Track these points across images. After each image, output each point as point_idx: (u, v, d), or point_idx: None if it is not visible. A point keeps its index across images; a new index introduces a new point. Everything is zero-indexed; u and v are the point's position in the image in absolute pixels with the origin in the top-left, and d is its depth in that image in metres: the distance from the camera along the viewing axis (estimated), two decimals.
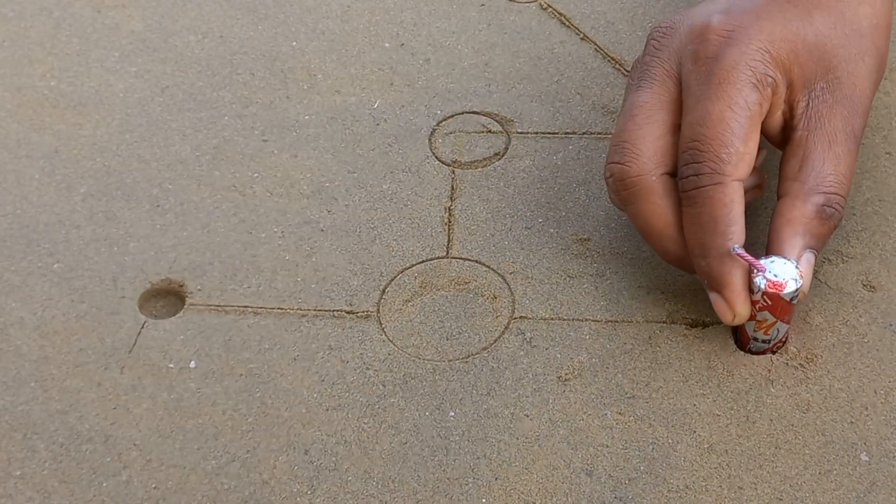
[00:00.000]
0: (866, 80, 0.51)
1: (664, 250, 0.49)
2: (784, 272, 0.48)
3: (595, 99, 0.62)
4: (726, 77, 0.47)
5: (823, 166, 0.48)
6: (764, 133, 0.50)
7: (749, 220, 0.56)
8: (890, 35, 0.53)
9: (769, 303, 0.48)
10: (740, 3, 0.49)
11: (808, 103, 0.49)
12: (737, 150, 0.46)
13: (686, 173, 0.47)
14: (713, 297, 0.48)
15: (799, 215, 0.48)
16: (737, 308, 0.48)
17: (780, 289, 0.47)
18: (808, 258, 0.48)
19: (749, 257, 0.48)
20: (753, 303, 0.48)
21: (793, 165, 0.49)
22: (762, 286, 0.48)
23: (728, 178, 0.46)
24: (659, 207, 0.48)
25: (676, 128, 0.48)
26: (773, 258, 0.48)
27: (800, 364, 0.50)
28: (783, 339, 0.50)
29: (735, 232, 0.47)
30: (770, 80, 0.48)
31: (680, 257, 0.49)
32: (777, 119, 0.50)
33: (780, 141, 0.51)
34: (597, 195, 0.57)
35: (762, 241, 0.55)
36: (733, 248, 0.48)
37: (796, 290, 0.48)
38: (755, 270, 0.48)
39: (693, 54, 0.48)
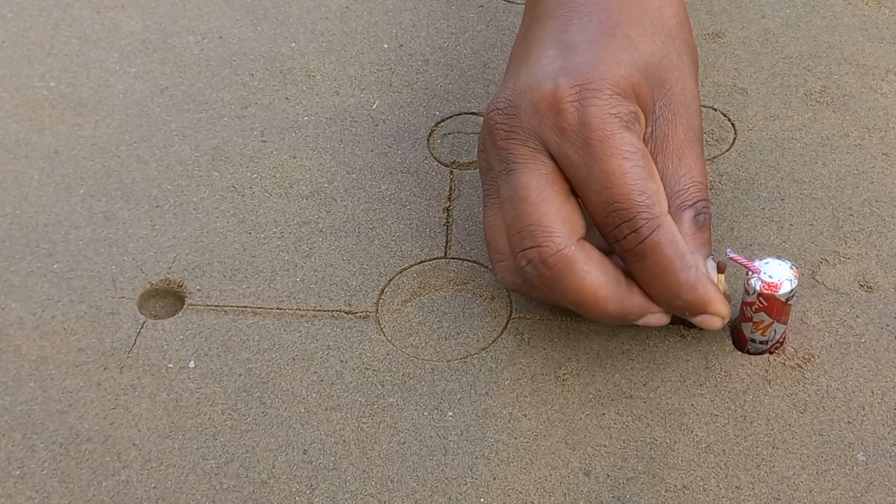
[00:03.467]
0: (690, 78, 0.51)
1: (603, 313, 0.48)
2: (779, 273, 0.48)
3: None
4: (601, 134, 0.46)
5: (681, 181, 0.49)
6: None
7: (735, 223, 0.56)
8: (690, 25, 0.53)
9: (765, 304, 0.48)
10: (568, 57, 0.48)
11: (654, 126, 0.50)
12: (653, 191, 0.47)
13: (622, 234, 0.46)
14: (698, 319, 0.49)
15: (682, 237, 0.48)
16: (723, 314, 0.48)
17: (775, 290, 0.48)
18: (711, 265, 0.49)
19: (743, 260, 0.48)
20: (749, 304, 0.48)
21: None
22: (757, 288, 0.48)
23: (660, 218, 0.46)
24: (587, 274, 0.47)
25: (567, 195, 0.48)
26: (768, 259, 0.49)
27: (797, 364, 0.50)
28: (781, 340, 0.50)
29: (692, 259, 0.47)
30: (633, 115, 0.48)
31: (621, 314, 0.48)
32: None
33: None
34: None
35: (752, 243, 0.55)
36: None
37: (791, 290, 0.48)
38: (750, 272, 0.48)
39: (556, 128, 0.47)
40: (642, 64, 0.49)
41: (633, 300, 0.48)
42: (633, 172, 0.46)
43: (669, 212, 0.48)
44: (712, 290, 0.48)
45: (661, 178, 0.49)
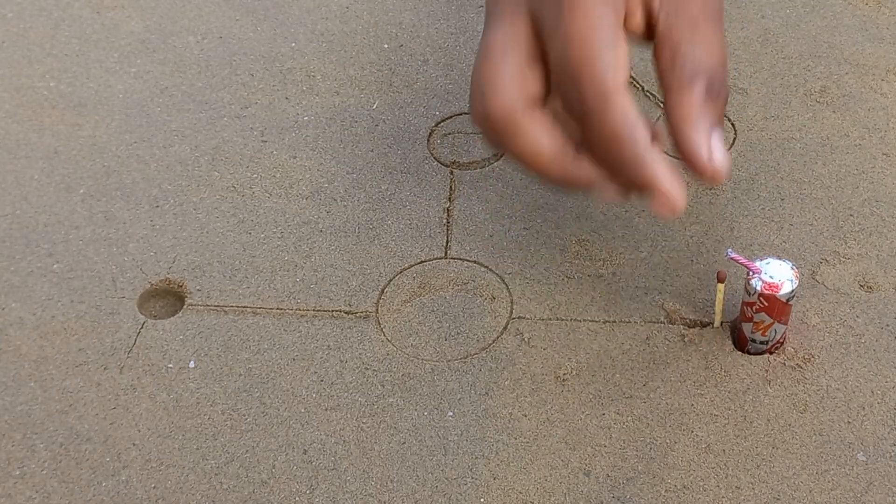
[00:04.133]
0: None
1: (548, 175, 0.47)
2: (779, 273, 0.48)
3: None
4: None
5: (694, 51, 0.48)
6: (630, 35, 0.49)
7: (736, 223, 0.56)
8: None
9: (766, 304, 0.48)
10: None
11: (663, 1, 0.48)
12: (611, 61, 0.45)
13: (569, 99, 0.45)
14: (652, 205, 0.46)
15: (689, 105, 0.47)
16: (675, 198, 0.45)
17: (776, 290, 0.48)
18: (717, 136, 0.47)
19: (744, 260, 0.48)
20: (750, 304, 0.48)
21: (665, 59, 0.48)
22: (758, 288, 0.48)
23: (611, 88, 0.45)
24: (529, 135, 0.46)
25: (533, 60, 0.47)
26: (768, 260, 0.49)
27: (797, 364, 0.50)
28: (781, 340, 0.50)
29: (641, 133, 0.45)
30: None
31: (565, 180, 0.47)
32: (638, 19, 0.49)
33: (646, 39, 0.50)
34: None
35: (752, 243, 0.55)
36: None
37: (792, 290, 0.48)
38: (751, 273, 0.48)
39: None
40: None
41: (580, 167, 0.47)
42: (593, 37, 0.45)
43: (679, 78, 0.47)
44: (663, 169, 0.45)
45: (675, 48, 0.48)
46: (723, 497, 0.46)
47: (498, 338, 0.52)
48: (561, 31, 0.46)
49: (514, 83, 0.47)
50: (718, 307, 0.51)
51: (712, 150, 0.46)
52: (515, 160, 0.48)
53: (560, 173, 0.47)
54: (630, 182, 0.46)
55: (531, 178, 0.49)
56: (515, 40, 0.47)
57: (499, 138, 0.47)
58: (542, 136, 0.46)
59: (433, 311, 0.54)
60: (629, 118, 0.45)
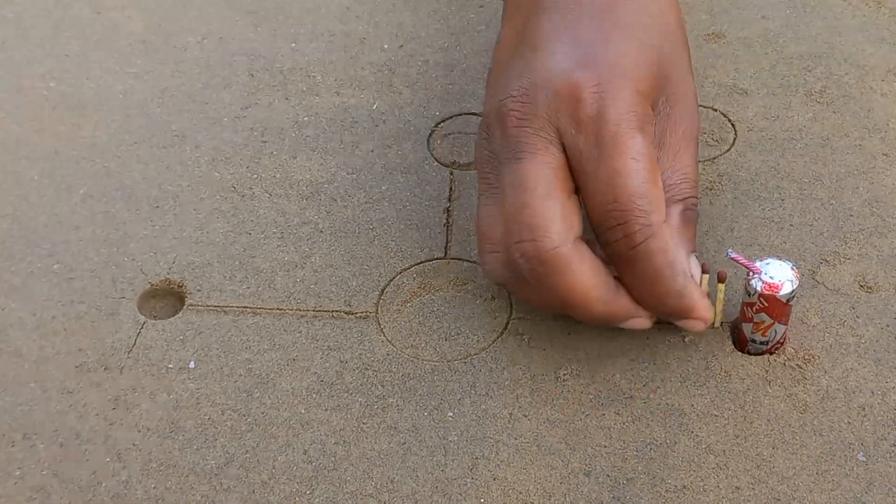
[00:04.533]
0: (689, 74, 0.52)
1: (591, 314, 0.48)
2: (780, 274, 0.48)
3: None
4: (616, 130, 0.46)
5: (674, 176, 0.50)
6: None
7: (735, 224, 0.56)
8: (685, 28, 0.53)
9: (766, 304, 0.48)
10: (588, 51, 0.48)
11: (656, 122, 0.50)
12: (654, 197, 0.46)
13: (616, 236, 0.46)
14: (681, 323, 0.49)
15: (670, 230, 0.48)
16: (707, 318, 0.49)
17: (776, 290, 0.48)
18: (694, 262, 0.49)
19: (744, 260, 0.48)
20: (750, 305, 0.48)
21: None
22: (758, 288, 0.48)
23: (656, 226, 0.46)
24: (580, 275, 0.47)
25: (571, 192, 0.47)
26: (769, 260, 0.49)
27: (797, 365, 0.50)
28: (781, 341, 0.50)
29: (681, 267, 0.47)
30: (649, 116, 0.48)
31: (608, 316, 0.48)
32: None
33: None
34: None
35: (752, 244, 0.55)
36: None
37: (792, 291, 0.48)
38: (751, 273, 0.48)
39: (572, 118, 0.46)
40: (655, 61, 0.49)
41: (620, 303, 0.48)
42: (638, 175, 0.46)
43: None
44: (697, 296, 0.48)
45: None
46: (723, 497, 0.46)
47: (498, 338, 0.52)
48: (605, 167, 0.46)
49: (564, 221, 0.47)
50: (718, 307, 0.51)
51: (698, 271, 0.49)
52: (560, 300, 0.48)
53: (605, 310, 0.48)
54: (668, 312, 0.48)
55: (575, 318, 0.49)
56: (555, 175, 0.47)
57: (545, 275, 0.47)
58: (590, 273, 0.47)
59: (433, 311, 0.54)
60: (670, 254, 0.47)
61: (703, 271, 0.49)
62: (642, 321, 0.49)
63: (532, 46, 0.49)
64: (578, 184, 0.47)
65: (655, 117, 0.49)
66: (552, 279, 0.47)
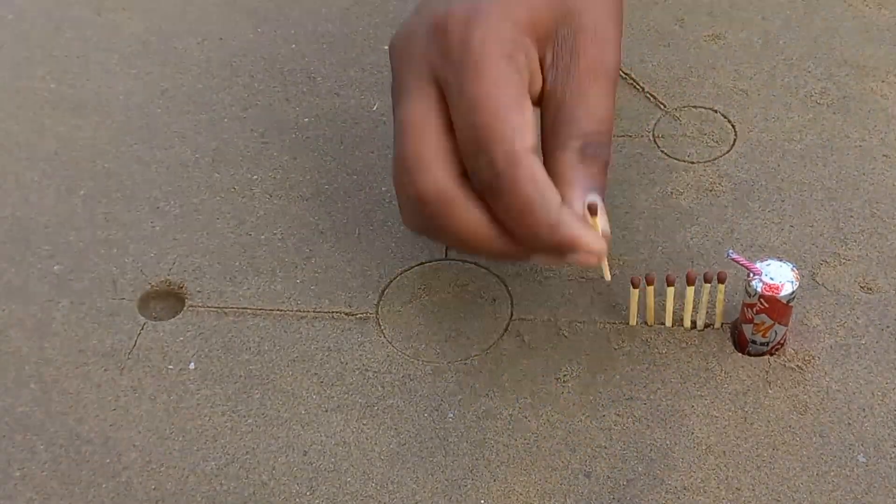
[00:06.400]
0: (602, 10, 0.48)
1: (487, 251, 0.46)
2: (780, 275, 0.48)
3: None
4: (479, 58, 0.44)
5: (575, 113, 0.46)
6: (533, 102, 0.47)
7: (736, 224, 0.56)
8: None
9: (766, 305, 0.48)
10: None
11: (554, 54, 0.47)
12: (518, 123, 0.44)
13: (478, 166, 0.44)
14: (570, 258, 0.45)
15: (563, 167, 0.46)
16: (595, 248, 0.45)
17: (776, 291, 0.48)
18: (592, 200, 0.46)
19: (744, 261, 0.48)
20: (750, 306, 0.48)
21: (546, 120, 0.47)
22: (759, 289, 0.48)
23: (520, 153, 0.44)
24: (467, 211, 0.45)
25: (450, 129, 0.46)
26: (769, 261, 0.49)
27: (797, 366, 0.50)
28: (781, 342, 0.50)
29: (553, 197, 0.44)
30: (518, 44, 0.46)
31: (504, 252, 0.46)
32: (538, 83, 0.48)
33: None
34: None
35: (752, 245, 0.55)
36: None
37: (792, 292, 0.48)
38: (752, 274, 0.48)
39: (440, 50, 0.45)
40: None
41: (511, 240, 0.46)
42: (497, 100, 0.44)
43: (555, 138, 0.46)
44: (578, 227, 0.44)
45: (558, 109, 0.47)
46: (723, 498, 0.46)
47: (498, 339, 0.52)
48: (466, 95, 0.44)
49: (440, 160, 0.45)
50: (719, 308, 0.51)
51: (587, 211, 0.45)
52: (450, 240, 0.46)
53: (498, 248, 0.46)
54: (547, 247, 0.45)
55: (465, 255, 0.47)
56: (431, 112, 0.46)
57: (432, 216, 0.45)
58: (477, 212, 0.45)
59: (434, 312, 0.54)
60: (541, 183, 0.44)
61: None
62: (545, 258, 0.46)
63: None
64: (451, 115, 0.45)
65: (554, 52, 0.47)
66: (438, 218, 0.45)
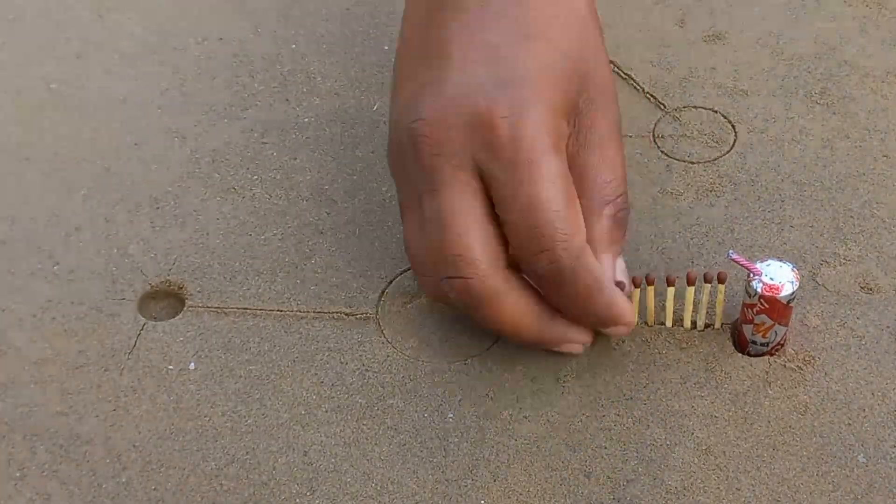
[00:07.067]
0: (606, 65, 0.51)
1: (523, 340, 0.49)
2: (780, 275, 0.48)
3: None
4: (531, 157, 0.45)
5: (601, 177, 0.49)
6: None
7: (736, 225, 0.56)
8: (596, 6, 0.52)
9: (766, 306, 0.48)
10: (498, 62, 0.47)
11: (578, 120, 0.49)
12: (573, 220, 0.46)
13: (541, 262, 0.46)
14: (609, 330, 0.49)
15: (599, 233, 0.48)
16: (632, 322, 0.49)
17: (776, 292, 0.48)
18: (620, 265, 0.49)
19: (744, 261, 0.48)
20: (750, 306, 0.48)
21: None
22: (759, 290, 0.48)
23: (579, 248, 0.46)
24: (510, 306, 0.47)
25: (491, 218, 0.47)
26: (769, 261, 0.49)
27: (797, 366, 0.50)
28: (781, 342, 0.50)
29: (609, 279, 0.48)
30: (563, 134, 0.47)
31: (540, 342, 0.49)
32: None
33: None
34: None
35: (752, 245, 0.55)
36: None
37: (793, 292, 0.48)
38: (752, 274, 0.48)
39: (487, 144, 0.45)
40: (569, 66, 0.48)
41: (552, 330, 0.49)
42: (556, 200, 0.45)
43: (589, 206, 0.48)
44: (623, 303, 0.48)
45: (583, 174, 0.48)
46: (723, 499, 0.46)
47: (498, 340, 0.52)
48: (523, 192, 0.45)
49: (487, 251, 0.46)
50: (719, 309, 0.51)
51: (618, 277, 0.49)
52: (492, 328, 0.49)
53: (537, 337, 0.49)
54: (597, 323, 0.48)
55: (510, 339, 0.50)
56: (473, 205, 0.46)
57: (477, 307, 0.47)
58: (520, 302, 0.47)
59: (434, 313, 0.54)
60: (596, 271, 0.47)
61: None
62: (575, 346, 0.50)
63: (440, 54, 0.48)
64: (498, 210, 0.46)
65: (578, 119, 0.49)
66: (483, 310, 0.47)
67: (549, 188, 0.45)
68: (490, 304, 0.47)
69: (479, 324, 0.49)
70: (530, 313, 0.48)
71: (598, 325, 0.49)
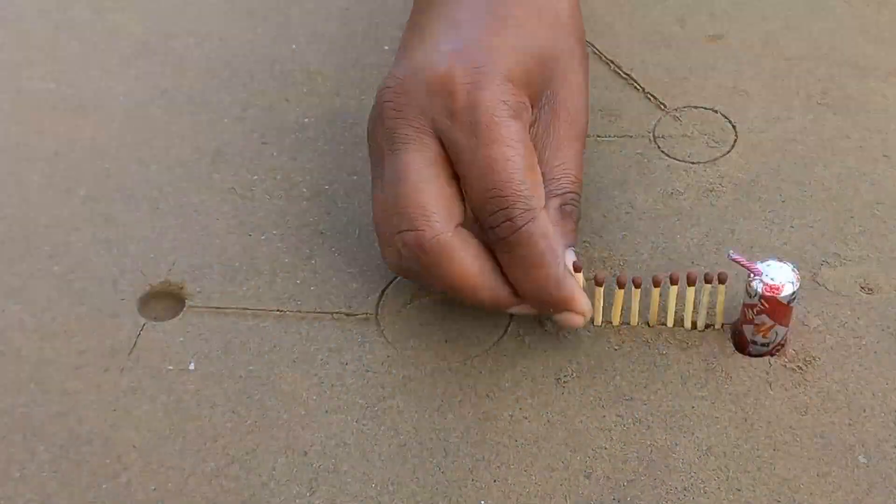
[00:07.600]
0: (579, 73, 0.53)
1: (477, 300, 0.49)
2: (780, 275, 0.48)
3: (593, 101, 0.62)
4: (489, 119, 0.47)
5: (554, 171, 0.50)
6: None
7: (736, 225, 0.56)
8: (581, 18, 0.54)
9: (767, 306, 0.48)
10: (463, 40, 0.49)
11: (538, 117, 0.51)
12: (532, 182, 0.47)
13: (497, 221, 0.47)
14: (560, 317, 0.49)
15: (550, 219, 0.49)
16: (587, 312, 0.49)
17: (777, 292, 0.48)
18: (570, 256, 0.49)
19: (745, 262, 0.48)
20: (751, 306, 0.48)
21: None
22: (759, 290, 0.48)
23: (536, 210, 0.47)
24: (464, 261, 0.48)
25: (449, 179, 0.48)
26: (769, 261, 0.49)
27: (798, 366, 0.50)
28: (782, 342, 0.50)
29: (559, 255, 0.48)
30: (522, 104, 0.49)
31: (495, 302, 0.49)
32: None
33: None
34: (595, 197, 0.57)
35: (753, 245, 0.55)
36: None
37: (793, 292, 0.48)
38: (752, 274, 0.48)
39: (446, 110, 0.47)
40: (536, 53, 0.50)
41: (506, 289, 0.49)
42: (514, 161, 0.47)
43: None
44: (575, 287, 0.48)
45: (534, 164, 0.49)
46: (723, 499, 0.46)
47: (498, 340, 0.52)
48: (482, 155, 0.47)
49: (443, 208, 0.48)
50: (719, 309, 0.51)
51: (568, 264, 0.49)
52: (447, 287, 0.49)
53: (491, 296, 0.49)
54: (547, 301, 0.48)
55: (454, 302, 0.50)
56: (431, 163, 0.48)
57: (429, 264, 0.48)
58: (474, 259, 0.48)
59: (434, 313, 0.54)
60: (551, 239, 0.47)
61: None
62: (527, 306, 0.50)
63: (419, 38, 0.51)
64: (458, 173, 0.48)
65: (538, 111, 0.50)
66: (437, 267, 0.48)
67: (508, 151, 0.47)
68: (441, 258, 0.47)
69: (431, 285, 0.50)
70: (483, 272, 0.48)
71: (547, 304, 0.49)
